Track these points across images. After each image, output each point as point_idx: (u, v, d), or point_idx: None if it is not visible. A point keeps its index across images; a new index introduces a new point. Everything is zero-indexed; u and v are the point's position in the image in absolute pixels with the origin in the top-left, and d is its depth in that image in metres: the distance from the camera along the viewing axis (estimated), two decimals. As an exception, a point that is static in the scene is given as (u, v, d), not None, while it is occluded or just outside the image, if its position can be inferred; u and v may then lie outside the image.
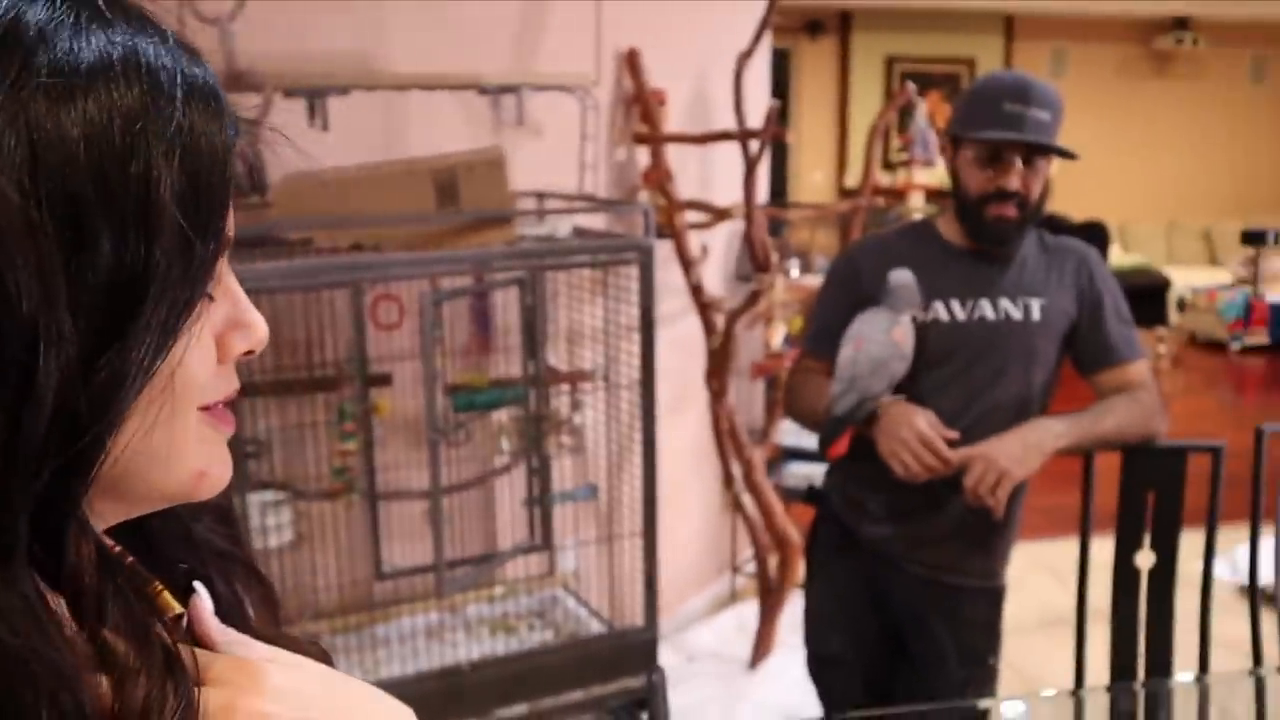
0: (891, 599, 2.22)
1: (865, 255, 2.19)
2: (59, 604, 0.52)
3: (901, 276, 2.03)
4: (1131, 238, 10.31)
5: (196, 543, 0.67)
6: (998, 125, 1.97)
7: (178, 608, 0.60)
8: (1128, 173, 10.49)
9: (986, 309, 2.09)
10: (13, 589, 0.48)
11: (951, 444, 1.98)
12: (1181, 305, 9.20)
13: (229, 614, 0.66)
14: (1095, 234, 7.90)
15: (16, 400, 0.47)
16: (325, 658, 0.70)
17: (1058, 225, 8.11)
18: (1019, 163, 2.01)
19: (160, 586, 0.60)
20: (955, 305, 2.09)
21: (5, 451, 0.47)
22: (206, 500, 0.68)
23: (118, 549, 0.62)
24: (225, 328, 0.58)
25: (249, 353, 0.60)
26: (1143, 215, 10.52)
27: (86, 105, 0.48)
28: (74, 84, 0.48)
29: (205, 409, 0.58)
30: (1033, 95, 1.97)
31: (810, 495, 2.32)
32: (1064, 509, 2.29)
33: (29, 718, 0.47)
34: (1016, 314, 2.09)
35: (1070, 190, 9.89)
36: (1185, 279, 9.36)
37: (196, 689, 0.54)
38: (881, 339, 2.01)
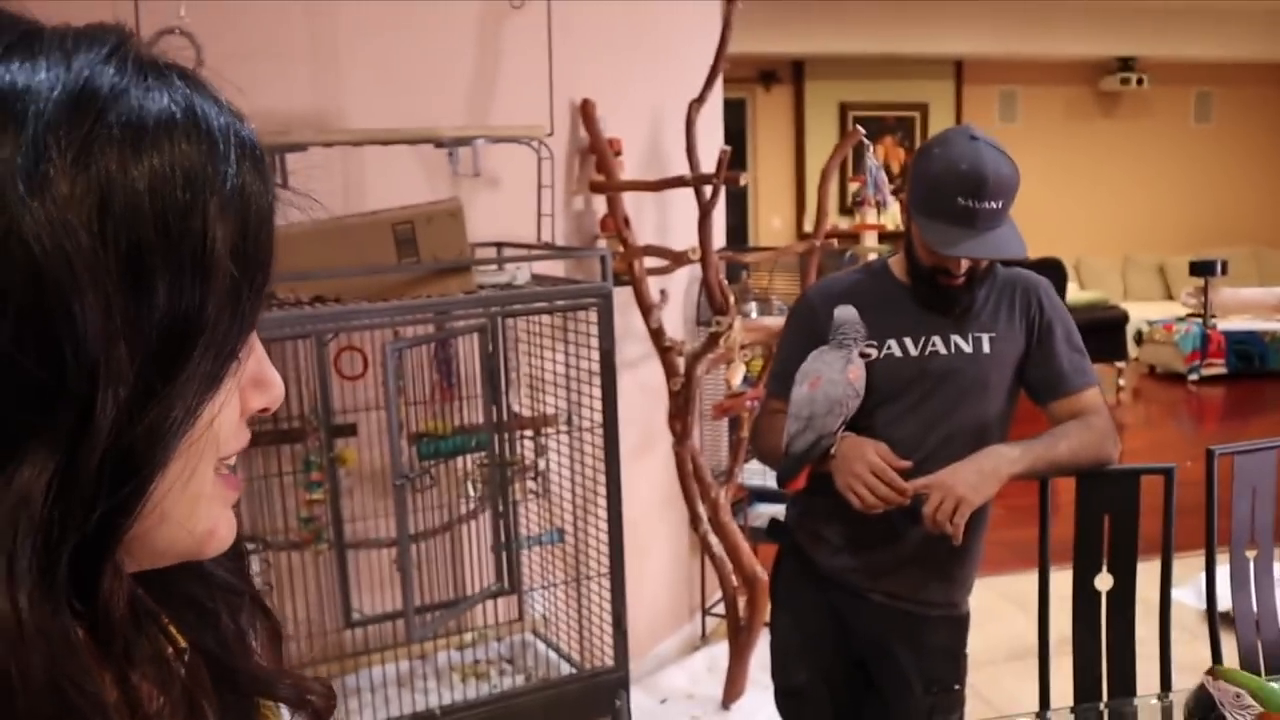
0: (855, 629, 2.25)
1: (822, 297, 2.24)
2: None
3: (845, 312, 2.10)
4: (1087, 274, 10.49)
5: (206, 576, 0.67)
6: (949, 218, 2.02)
7: (182, 641, 0.61)
8: (1081, 210, 10.70)
9: (938, 345, 2.15)
10: (55, 621, 0.48)
11: (906, 474, 2.03)
12: (1139, 338, 9.34)
13: (233, 647, 0.67)
14: (1051, 271, 8.02)
15: (74, 433, 0.48)
16: (330, 695, 0.72)
17: (1014, 263, 8.22)
18: None
19: (166, 620, 0.61)
20: (908, 342, 2.15)
21: (60, 483, 0.48)
22: None
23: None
24: (247, 383, 0.59)
25: (264, 410, 0.61)
26: (1097, 251, 10.72)
27: (152, 159, 0.50)
28: (141, 138, 0.50)
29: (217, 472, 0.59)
30: (986, 188, 1.99)
31: (772, 529, 2.35)
32: (1030, 542, 2.34)
33: None
34: (967, 348, 2.14)
35: (1025, 229, 10.03)
36: (1142, 312, 9.52)
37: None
38: (838, 378, 2.06)
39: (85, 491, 0.49)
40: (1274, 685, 1.53)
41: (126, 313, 0.49)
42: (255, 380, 0.59)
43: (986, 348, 2.15)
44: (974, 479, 2.01)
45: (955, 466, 2.03)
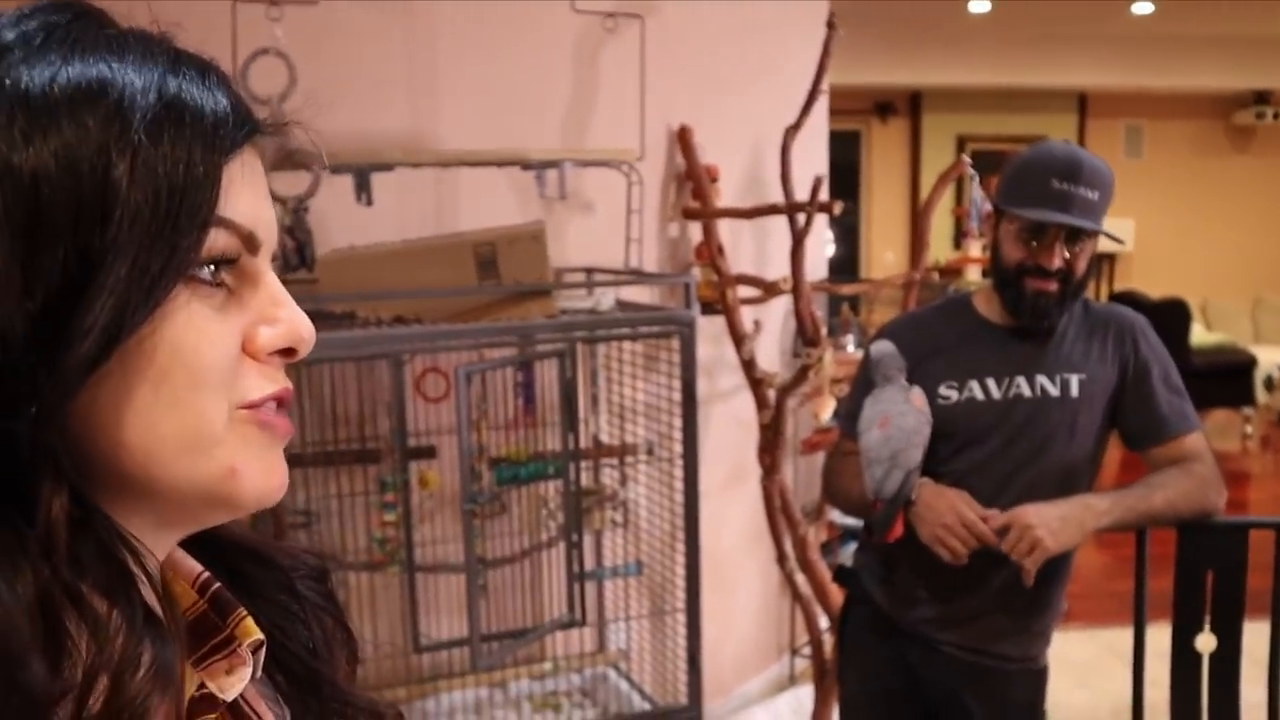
0: (927, 680, 2.15)
1: (898, 334, 2.15)
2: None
3: (881, 347, 2.03)
4: (1215, 315, 10.06)
5: (298, 594, 0.71)
6: (1043, 203, 1.92)
7: (258, 634, 0.62)
8: (1208, 250, 10.29)
9: (1023, 386, 2.03)
10: None
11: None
12: (1270, 384, 8.92)
13: (320, 657, 0.71)
14: (1174, 312, 7.73)
15: None
16: (400, 718, 0.76)
17: (1136, 303, 7.94)
18: (1062, 241, 1.96)
19: (244, 613, 0.63)
20: (990, 384, 2.04)
21: None
22: (305, 560, 0.74)
23: (205, 575, 0.65)
24: (253, 321, 0.60)
25: (289, 352, 0.62)
26: (1226, 293, 10.28)
27: (53, 135, 0.52)
28: (43, 112, 0.53)
29: (247, 408, 0.60)
30: (1082, 173, 1.91)
31: (841, 575, 2.26)
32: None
33: None
34: (1054, 391, 2.03)
35: (1149, 268, 9.71)
36: (1273, 357, 9.08)
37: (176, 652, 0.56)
38: (905, 409, 1.98)
39: None
40: None
41: (14, 237, 0.52)
42: (264, 319, 0.61)
43: (1075, 390, 2.02)
44: (1056, 524, 1.89)
45: (1040, 506, 1.92)
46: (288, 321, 0.62)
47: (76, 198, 0.53)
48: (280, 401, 0.62)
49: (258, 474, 0.61)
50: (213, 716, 0.61)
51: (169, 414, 0.57)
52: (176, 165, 0.55)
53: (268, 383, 0.61)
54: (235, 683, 0.61)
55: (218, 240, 0.58)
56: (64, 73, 0.54)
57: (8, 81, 0.53)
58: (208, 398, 0.58)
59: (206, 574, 0.65)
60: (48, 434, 0.53)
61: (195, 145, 0.56)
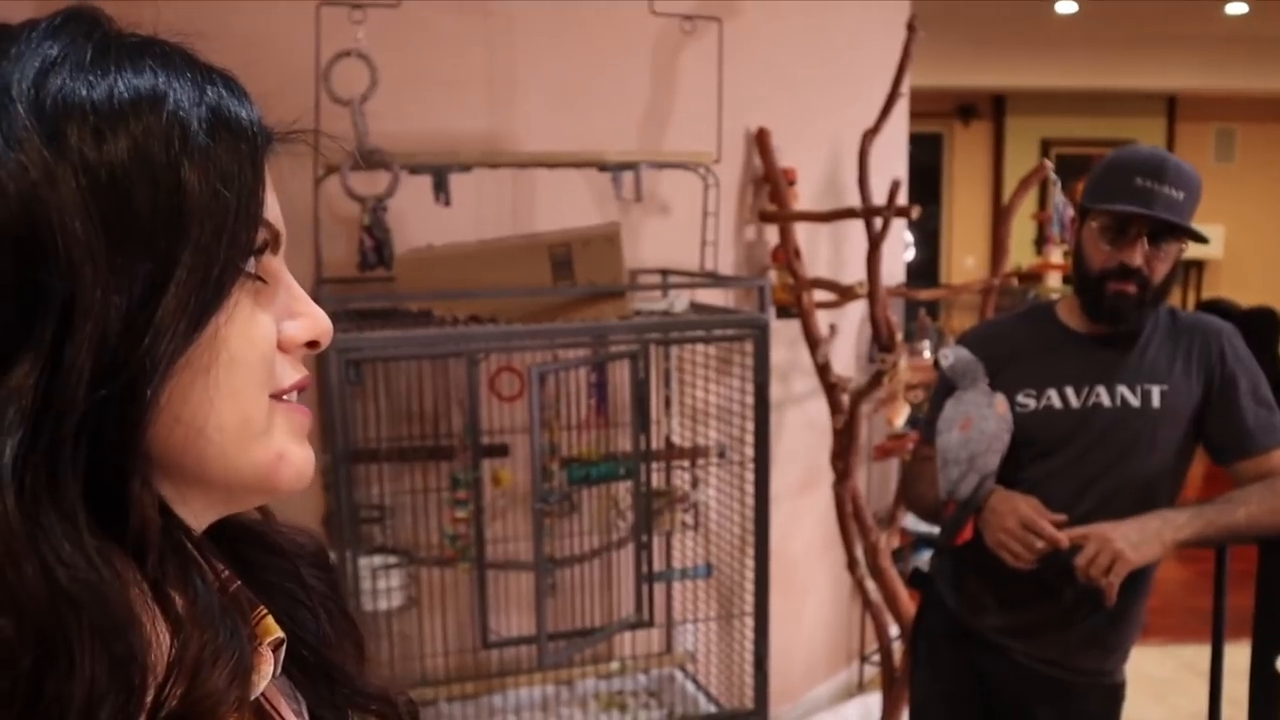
0: (998, 689, 2.12)
1: (980, 341, 2.13)
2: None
3: (959, 353, 2.02)
4: (1308, 326, 9.79)
5: (304, 582, 0.73)
6: (1127, 199, 1.90)
7: (279, 633, 0.64)
8: (1302, 258, 10.00)
9: (1103, 396, 2.00)
10: (69, 529, 0.51)
11: (1060, 527, 1.90)
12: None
13: (330, 646, 0.73)
14: (1264, 322, 7.54)
15: (59, 335, 0.52)
16: (412, 703, 0.77)
17: (1225, 312, 7.74)
18: (1145, 240, 1.93)
19: (265, 611, 0.65)
20: (1069, 392, 2.01)
21: (50, 381, 0.52)
22: (305, 545, 0.74)
23: (226, 573, 0.66)
24: (282, 315, 0.64)
25: (313, 344, 0.65)
26: (1320, 302, 10.00)
27: (123, 135, 0.55)
28: (110, 116, 0.55)
29: (277, 397, 0.63)
30: (1167, 172, 1.89)
31: (916, 579, 2.24)
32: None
33: (77, 664, 0.50)
34: (1135, 401, 1.99)
35: (1238, 276, 9.47)
36: (1367, 370, 8.80)
37: (251, 644, 0.59)
38: (988, 414, 1.96)
39: (77, 391, 0.52)
40: None
41: (110, 241, 0.54)
42: (289, 312, 0.64)
43: (1156, 401, 1.98)
44: (1135, 537, 1.86)
45: (1117, 522, 1.89)
46: (311, 316, 0.65)
47: (153, 196, 0.55)
48: (299, 390, 0.65)
49: (298, 460, 0.64)
50: (234, 716, 0.60)
51: (229, 404, 0.59)
52: (232, 166, 0.59)
53: (293, 372, 0.65)
54: (258, 682, 0.61)
55: (260, 237, 0.62)
56: (120, 83, 0.56)
57: (65, 94, 0.55)
58: (257, 388, 0.61)
59: (227, 572, 0.66)
60: (140, 433, 0.55)
61: (243, 149, 0.60)
